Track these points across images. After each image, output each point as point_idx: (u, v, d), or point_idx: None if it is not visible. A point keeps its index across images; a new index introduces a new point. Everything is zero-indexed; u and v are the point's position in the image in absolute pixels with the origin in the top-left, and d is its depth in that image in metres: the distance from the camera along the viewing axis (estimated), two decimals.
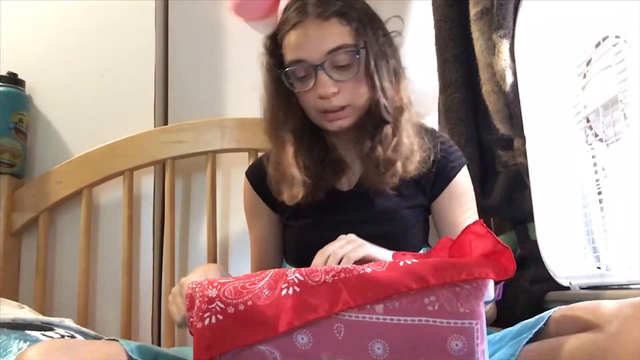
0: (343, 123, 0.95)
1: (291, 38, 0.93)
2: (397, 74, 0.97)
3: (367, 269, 0.64)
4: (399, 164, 0.93)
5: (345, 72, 0.92)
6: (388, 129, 0.94)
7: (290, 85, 0.95)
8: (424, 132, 0.99)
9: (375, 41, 0.94)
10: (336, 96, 0.92)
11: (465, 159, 1.03)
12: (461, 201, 1.00)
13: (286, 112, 0.98)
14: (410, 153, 0.95)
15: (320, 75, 0.91)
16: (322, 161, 0.98)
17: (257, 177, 1.07)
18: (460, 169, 1.01)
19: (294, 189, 0.94)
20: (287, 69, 0.94)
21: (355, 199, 0.98)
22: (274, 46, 0.98)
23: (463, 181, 1.01)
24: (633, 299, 0.60)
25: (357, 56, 0.92)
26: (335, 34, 0.92)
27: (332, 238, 0.82)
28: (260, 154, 1.21)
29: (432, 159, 0.97)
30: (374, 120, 0.95)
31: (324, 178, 0.97)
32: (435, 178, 0.99)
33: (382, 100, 0.93)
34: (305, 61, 0.92)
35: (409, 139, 0.95)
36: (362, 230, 0.85)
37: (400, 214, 0.98)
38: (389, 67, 0.96)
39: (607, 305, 0.62)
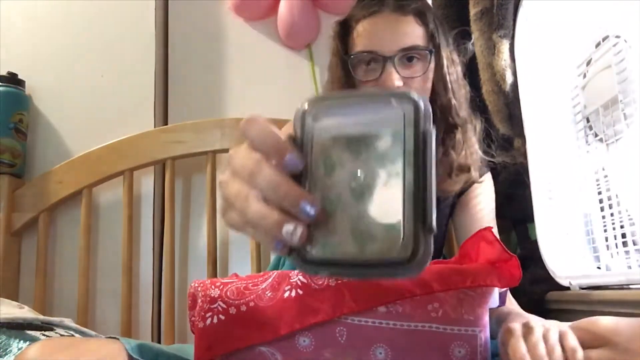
0: None
1: (365, 26, 0.92)
2: (462, 82, 0.98)
3: None
4: (473, 172, 0.94)
5: (412, 70, 0.92)
6: (459, 135, 0.94)
7: (354, 72, 0.94)
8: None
9: (446, 47, 0.95)
10: None
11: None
12: (476, 193, 1.02)
13: None
14: (477, 161, 0.95)
15: (389, 68, 0.90)
16: None
17: None
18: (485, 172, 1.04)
19: None
20: (353, 55, 0.93)
21: None
22: (343, 32, 0.97)
23: (485, 182, 1.04)
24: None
25: (428, 59, 0.92)
26: (411, 33, 0.91)
27: None
28: None
29: None
30: (442, 124, 0.94)
31: None
32: None
33: (454, 102, 0.93)
34: (377, 52, 0.91)
35: (475, 147, 0.95)
36: None
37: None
38: (458, 74, 0.96)
39: (607, 322, 0.60)
